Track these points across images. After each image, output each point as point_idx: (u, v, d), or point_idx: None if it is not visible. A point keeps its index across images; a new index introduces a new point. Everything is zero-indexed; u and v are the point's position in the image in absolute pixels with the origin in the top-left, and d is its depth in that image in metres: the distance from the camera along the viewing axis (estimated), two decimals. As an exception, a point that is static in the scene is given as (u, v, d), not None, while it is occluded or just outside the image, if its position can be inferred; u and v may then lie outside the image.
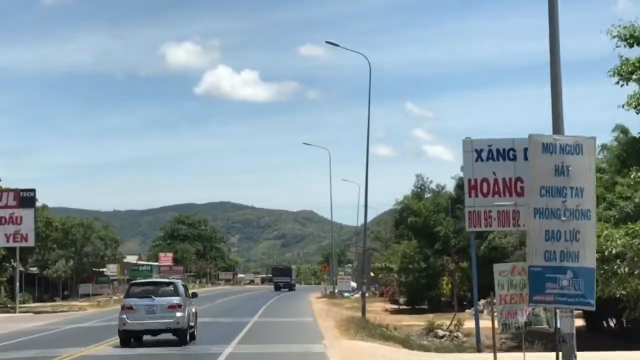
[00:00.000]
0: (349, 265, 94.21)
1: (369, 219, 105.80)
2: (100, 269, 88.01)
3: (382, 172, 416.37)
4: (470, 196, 24.74)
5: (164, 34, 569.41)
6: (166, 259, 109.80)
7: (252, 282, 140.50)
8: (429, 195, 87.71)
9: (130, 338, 24.73)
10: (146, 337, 25.16)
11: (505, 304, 16.23)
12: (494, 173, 24.82)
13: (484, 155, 24.86)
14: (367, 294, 72.51)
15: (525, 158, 24.88)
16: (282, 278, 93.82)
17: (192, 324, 25.88)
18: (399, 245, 70.04)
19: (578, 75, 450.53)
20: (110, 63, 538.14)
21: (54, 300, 71.98)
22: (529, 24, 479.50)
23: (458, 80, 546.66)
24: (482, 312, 43.88)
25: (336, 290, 67.89)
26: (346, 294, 66.54)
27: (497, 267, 16.56)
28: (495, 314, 17.15)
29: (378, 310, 48.72)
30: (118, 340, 24.88)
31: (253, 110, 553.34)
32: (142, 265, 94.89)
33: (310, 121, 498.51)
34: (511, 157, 24.90)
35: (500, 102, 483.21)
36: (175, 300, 24.75)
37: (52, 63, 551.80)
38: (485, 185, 24.79)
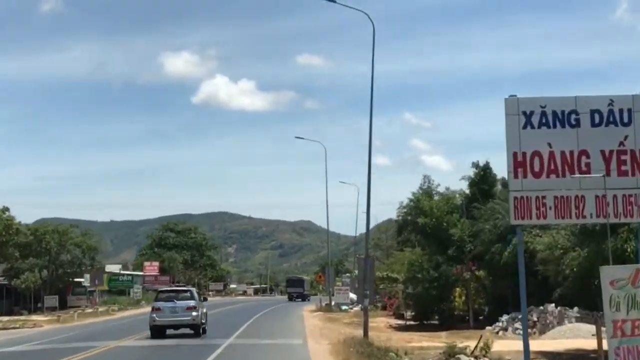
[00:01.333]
0: (347, 274, 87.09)
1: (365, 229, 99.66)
2: (78, 279, 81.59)
3: (380, 181, 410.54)
4: (516, 176, 17.75)
5: (162, 44, 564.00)
6: (152, 268, 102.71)
7: (244, 292, 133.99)
8: (437, 198, 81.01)
9: (158, 331, 32.30)
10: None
11: (622, 337, 9.14)
12: (550, 144, 17.88)
13: (535, 119, 17.94)
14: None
15: (593, 124, 18.12)
16: (295, 289, 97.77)
17: (204, 321, 33.86)
18: (402, 253, 63.41)
19: (573, 83, 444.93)
20: (107, 72, 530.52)
21: (21, 314, 65.31)
22: (526, 33, 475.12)
23: (456, 90, 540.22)
24: (505, 330, 37.17)
25: (333, 303, 60.77)
26: (344, 307, 59.50)
27: (608, 273, 9.50)
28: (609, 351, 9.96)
29: (381, 326, 41.81)
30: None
31: (250, 120, 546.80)
32: (123, 275, 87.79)
33: (307, 131, 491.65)
34: (573, 122, 17.99)
35: (500, 111, 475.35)
36: (192, 303, 32.88)
37: (49, 73, 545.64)
38: (537, 161, 17.87)
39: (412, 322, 44.94)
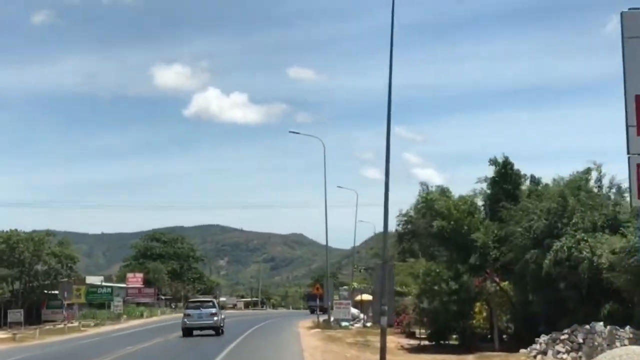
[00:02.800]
0: (345, 287, 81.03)
1: (360, 240, 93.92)
2: (55, 292, 75.44)
3: (371, 195, 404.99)
4: (639, 133, 11.60)
5: (153, 56, 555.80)
6: (135, 279, 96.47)
7: (234, 306, 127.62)
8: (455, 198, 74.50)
9: (188, 332, 42.50)
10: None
11: None
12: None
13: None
14: (369, 324, 59.16)
15: None
16: (314, 302, 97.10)
17: (222, 325, 44.18)
18: (405, 264, 57.46)
19: (565, 97, 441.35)
20: (98, 84, 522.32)
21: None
22: (517, 48, 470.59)
23: (448, 104, 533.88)
24: (544, 353, 31.02)
25: (332, 319, 54.33)
26: (344, 324, 53.10)
27: None
28: None
29: (392, 347, 35.45)
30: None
31: (242, 132, 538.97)
32: (102, 287, 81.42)
33: (299, 143, 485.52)
34: None
35: (493, 125, 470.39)
36: (214, 310, 43.92)
37: (39, 84, 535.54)
38: (671, 108, 11.73)
39: (426, 342, 38.69)
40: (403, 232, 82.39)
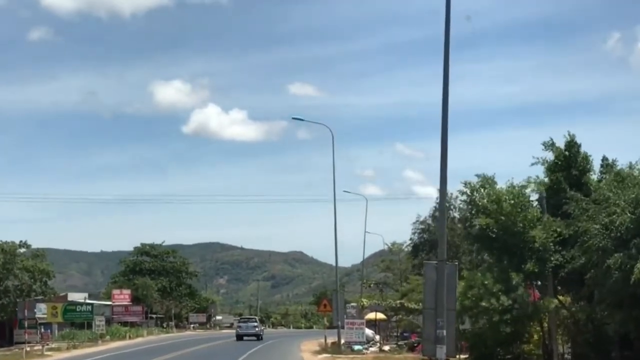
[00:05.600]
0: (352, 304, 72.94)
1: (359, 258, 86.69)
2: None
3: (371, 212, 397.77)
4: None
5: (153, 74, 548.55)
6: (121, 297, 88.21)
7: (231, 325, 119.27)
8: (457, 215, 66.67)
9: (240, 337, 62.46)
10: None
11: None
12: None
13: None
14: (386, 348, 50.98)
15: None
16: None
17: (262, 333, 65.63)
18: (421, 277, 49.57)
19: (565, 114, 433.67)
20: (97, 102, 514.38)
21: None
22: (517, 65, 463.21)
23: (450, 121, 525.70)
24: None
25: (342, 341, 45.94)
26: (356, 347, 44.69)
27: None
28: None
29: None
30: None
31: (242, 150, 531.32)
32: (82, 304, 73.09)
33: (300, 161, 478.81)
34: None
35: (494, 143, 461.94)
36: (256, 324, 67.08)
37: (38, 102, 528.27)
38: None
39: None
40: (420, 242, 75.27)
